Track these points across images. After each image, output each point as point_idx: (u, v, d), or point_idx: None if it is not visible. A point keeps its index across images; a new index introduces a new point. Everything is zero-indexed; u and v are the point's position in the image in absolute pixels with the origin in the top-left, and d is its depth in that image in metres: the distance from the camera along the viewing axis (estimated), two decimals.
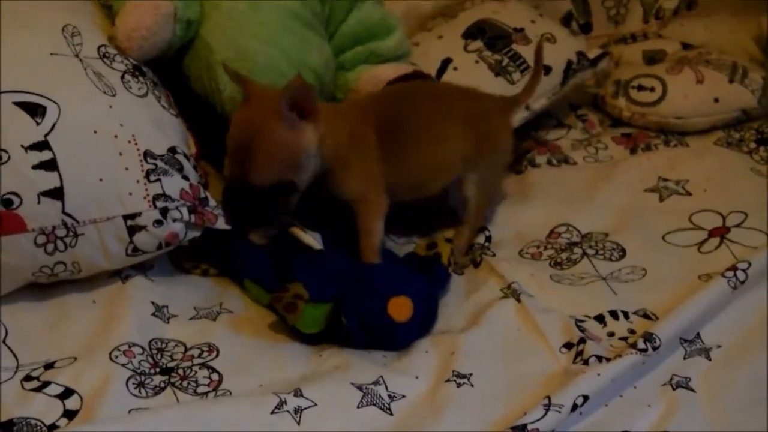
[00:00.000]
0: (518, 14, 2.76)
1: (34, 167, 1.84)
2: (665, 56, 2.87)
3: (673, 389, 1.82)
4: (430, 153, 2.15)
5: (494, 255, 2.21)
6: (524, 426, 1.68)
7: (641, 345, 1.84)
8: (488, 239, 2.27)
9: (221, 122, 2.21)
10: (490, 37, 2.65)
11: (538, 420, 1.69)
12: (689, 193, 2.39)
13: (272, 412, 1.69)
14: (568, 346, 1.90)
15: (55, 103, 1.88)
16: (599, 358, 1.85)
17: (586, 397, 1.74)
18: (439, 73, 2.54)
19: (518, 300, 2.00)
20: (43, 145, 1.85)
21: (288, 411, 1.70)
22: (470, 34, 2.66)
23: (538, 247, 2.24)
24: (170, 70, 2.24)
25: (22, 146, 1.84)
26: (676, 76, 2.70)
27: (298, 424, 1.69)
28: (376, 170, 2.07)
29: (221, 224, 2.00)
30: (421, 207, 2.25)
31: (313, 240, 2.04)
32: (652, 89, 2.69)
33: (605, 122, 2.77)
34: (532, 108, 2.58)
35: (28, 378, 1.75)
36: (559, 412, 1.71)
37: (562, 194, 2.43)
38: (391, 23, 2.45)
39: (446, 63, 2.58)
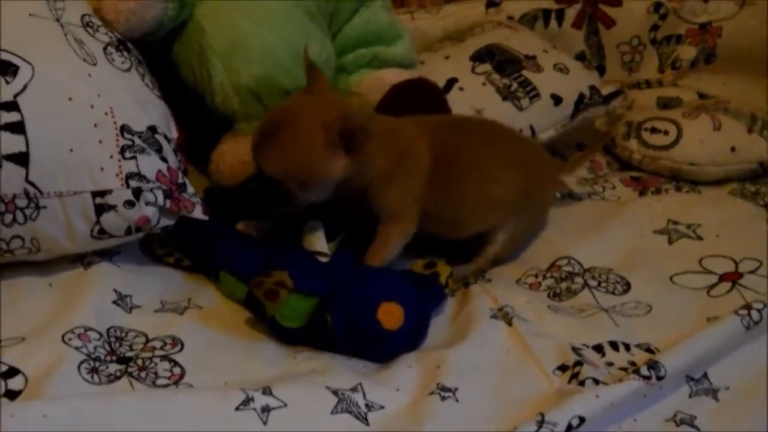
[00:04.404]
0: (530, 42, 2.67)
1: None
2: (681, 104, 2.75)
3: (677, 425, 1.66)
4: (479, 192, 2.06)
5: (489, 281, 2.06)
6: None
7: (644, 372, 1.69)
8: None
9: (208, 117, 2.10)
10: (500, 61, 2.55)
11: None
12: (700, 238, 2.24)
13: (237, 408, 1.53)
14: (563, 368, 1.74)
15: (29, 63, 1.74)
16: (596, 382, 1.69)
17: (582, 419, 1.57)
18: None
19: (509, 324, 1.85)
20: (11, 106, 1.70)
21: (254, 409, 1.53)
22: (479, 57, 2.56)
23: (536, 276, 2.09)
24: (158, 60, 2.10)
25: None
26: (692, 121, 2.57)
27: (265, 424, 1.53)
28: (417, 194, 1.98)
29: (198, 213, 1.86)
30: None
31: (323, 246, 1.94)
32: (666, 132, 2.55)
33: (613, 165, 2.65)
34: (539, 138, 2.47)
35: None
36: (553, 430, 1.55)
37: (565, 227, 2.28)
38: (400, 30, 2.37)
39: (452, 82, 2.47)
